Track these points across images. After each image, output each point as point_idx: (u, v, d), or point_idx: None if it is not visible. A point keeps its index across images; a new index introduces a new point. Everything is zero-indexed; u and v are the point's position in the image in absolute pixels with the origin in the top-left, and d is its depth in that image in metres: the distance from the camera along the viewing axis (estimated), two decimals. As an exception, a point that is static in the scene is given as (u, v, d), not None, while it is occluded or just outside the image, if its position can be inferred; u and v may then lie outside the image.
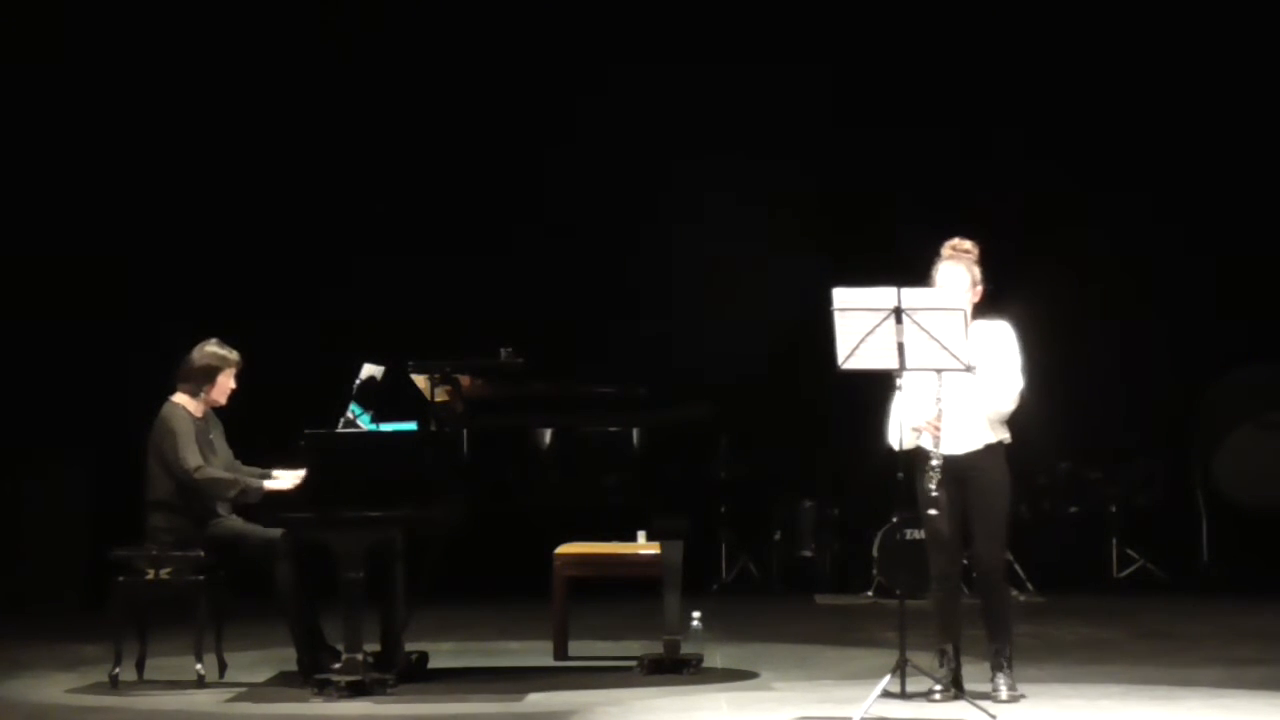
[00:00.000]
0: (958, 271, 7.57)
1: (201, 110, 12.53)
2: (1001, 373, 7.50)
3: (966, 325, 7.29)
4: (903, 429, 7.50)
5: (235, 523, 8.39)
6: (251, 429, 8.61)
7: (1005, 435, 7.61)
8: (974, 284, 7.60)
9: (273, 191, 12.60)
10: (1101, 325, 12.68)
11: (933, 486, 7.39)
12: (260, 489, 8.21)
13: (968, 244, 7.66)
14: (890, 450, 7.59)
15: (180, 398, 8.47)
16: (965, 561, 7.77)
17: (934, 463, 7.38)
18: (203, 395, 8.47)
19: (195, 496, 8.30)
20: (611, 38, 12.74)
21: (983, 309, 7.62)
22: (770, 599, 12.21)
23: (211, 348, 8.52)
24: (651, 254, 12.76)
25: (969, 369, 7.30)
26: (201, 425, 8.44)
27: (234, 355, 8.53)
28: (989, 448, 7.56)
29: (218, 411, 8.57)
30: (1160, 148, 12.70)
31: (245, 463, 8.51)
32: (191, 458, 8.27)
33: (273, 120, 12.56)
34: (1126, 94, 12.86)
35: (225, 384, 8.51)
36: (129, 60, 12.37)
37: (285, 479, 8.21)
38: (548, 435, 8.30)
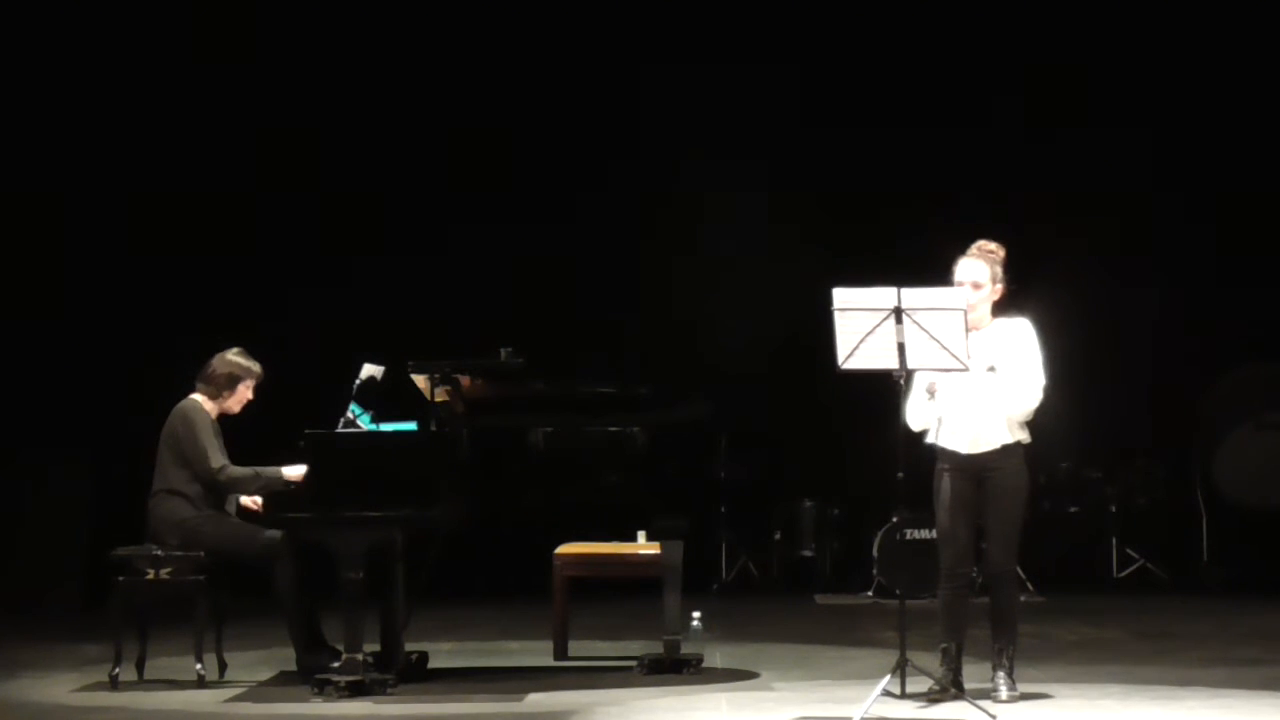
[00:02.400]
0: (977, 267, 7.57)
1: (203, 111, 12.53)
2: (1024, 371, 7.51)
3: (970, 325, 7.31)
4: (924, 410, 7.51)
5: (235, 523, 8.39)
6: (251, 429, 8.61)
7: (1025, 436, 7.61)
8: (994, 281, 7.60)
9: (274, 192, 12.59)
10: (1102, 325, 12.68)
11: (927, 394, 7.43)
12: (278, 475, 8.21)
13: (993, 245, 7.67)
14: (908, 432, 7.58)
15: (199, 398, 8.48)
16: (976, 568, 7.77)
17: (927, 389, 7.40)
18: (219, 401, 8.49)
19: (212, 492, 8.32)
20: (612, 37, 12.74)
21: (1004, 307, 7.63)
22: (770, 599, 12.21)
23: (234, 356, 8.53)
24: (652, 254, 12.76)
25: (967, 368, 7.31)
26: (214, 427, 8.46)
27: (256, 367, 8.55)
28: (1007, 448, 7.56)
29: (221, 421, 8.57)
30: (1161, 148, 12.69)
31: (246, 464, 8.51)
32: (215, 458, 8.30)
33: (274, 120, 12.56)
34: (1126, 93, 12.86)
35: (244, 395, 8.53)
36: (124, 59, 12.37)
37: (299, 471, 8.20)
38: (548, 435, 8.30)
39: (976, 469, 7.55)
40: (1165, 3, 12.71)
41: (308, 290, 12.39)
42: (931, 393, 7.46)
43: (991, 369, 7.45)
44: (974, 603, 7.71)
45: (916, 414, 7.57)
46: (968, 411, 7.53)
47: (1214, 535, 12.81)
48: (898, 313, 7.23)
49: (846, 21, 12.81)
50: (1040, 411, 7.61)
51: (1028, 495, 7.71)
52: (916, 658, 7.40)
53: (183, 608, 8.25)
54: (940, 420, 7.58)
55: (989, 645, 7.66)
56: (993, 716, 7.16)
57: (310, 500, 8.00)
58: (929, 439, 7.61)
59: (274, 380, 8.74)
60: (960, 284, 7.55)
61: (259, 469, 8.31)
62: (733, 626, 10.18)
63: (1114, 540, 12.73)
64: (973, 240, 7.71)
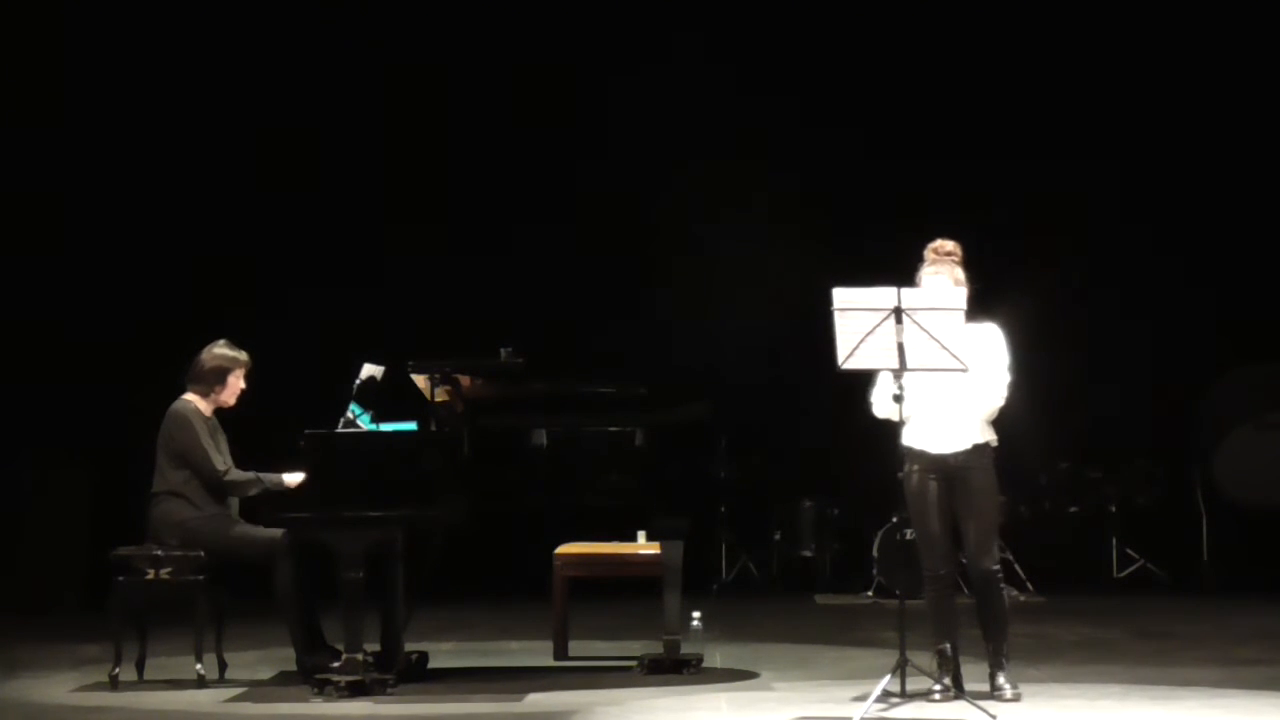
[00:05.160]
0: (939, 281, 7.54)
1: (205, 110, 12.54)
2: (990, 369, 7.50)
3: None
4: (890, 408, 7.46)
5: (236, 523, 8.39)
6: (251, 429, 8.61)
7: (993, 438, 7.61)
8: (958, 285, 7.56)
9: (274, 191, 12.60)
10: (1101, 325, 12.69)
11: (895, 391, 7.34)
12: (279, 481, 8.21)
13: (949, 245, 7.64)
14: (873, 418, 7.56)
15: (191, 397, 8.48)
16: (963, 561, 7.77)
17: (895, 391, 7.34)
18: (212, 396, 8.49)
19: (213, 492, 8.31)
20: (612, 39, 12.75)
21: (970, 310, 7.59)
22: (770, 599, 12.21)
23: (220, 349, 8.52)
24: (652, 254, 12.77)
25: (967, 369, 7.30)
26: (210, 426, 8.46)
27: (243, 356, 8.55)
28: (977, 448, 7.55)
29: (220, 417, 8.57)
30: (1160, 148, 12.70)
31: (245, 465, 8.51)
32: (217, 460, 8.31)
33: (274, 119, 12.57)
34: (1128, 94, 12.87)
35: (235, 385, 8.52)
36: (127, 55, 12.38)
37: (299, 478, 8.20)
38: (548, 435, 8.29)
39: (947, 469, 7.54)
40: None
41: (308, 290, 12.39)
42: (898, 398, 7.37)
43: (968, 368, 7.41)
44: (962, 603, 7.71)
45: (882, 407, 7.52)
46: (938, 411, 7.53)
47: (1214, 535, 12.82)
48: (898, 313, 7.23)
49: (845, 23, 12.83)
50: (1026, 412, 7.61)
51: (999, 495, 7.69)
52: (916, 658, 7.40)
53: (183, 608, 8.24)
54: (908, 419, 7.57)
55: (982, 647, 7.66)
56: (993, 716, 7.16)
57: (310, 500, 8.00)
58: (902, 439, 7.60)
59: (273, 380, 8.75)
60: None
61: (260, 474, 8.30)
62: (733, 626, 10.18)
63: (1114, 540, 12.74)
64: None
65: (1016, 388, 7.55)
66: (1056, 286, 12.27)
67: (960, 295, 7.40)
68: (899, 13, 12.88)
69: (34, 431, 12.04)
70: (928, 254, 7.63)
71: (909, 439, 7.59)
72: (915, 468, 7.58)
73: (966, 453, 7.54)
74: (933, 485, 7.54)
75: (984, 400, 7.53)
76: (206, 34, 12.53)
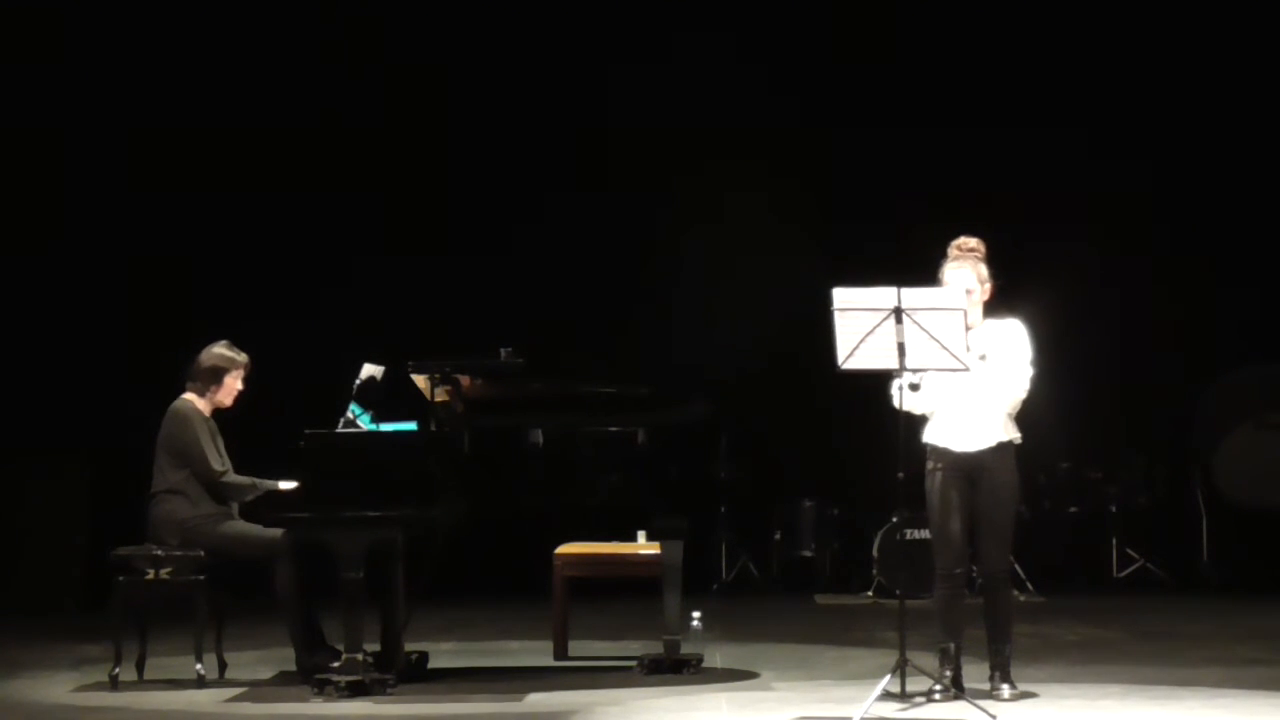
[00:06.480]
0: (963, 274, 7.55)
1: (203, 109, 12.54)
2: (1011, 361, 7.50)
3: (966, 325, 7.29)
4: (908, 399, 7.45)
5: (236, 523, 8.39)
6: (251, 429, 8.60)
7: (1016, 435, 7.60)
8: (982, 282, 7.58)
9: (273, 191, 12.59)
10: (1101, 325, 12.68)
11: (910, 389, 7.33)
12: (275, 489, 8.20)
13: (973, 241, 7.65)
14: (907, 432, 7.56)
15: (190, 396, 8.48)
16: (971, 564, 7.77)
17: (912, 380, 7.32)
18: (209, 396, 8.48)
19: (212, 491, 8.31)
20: (612, 38, 12.74)
21: (994, 306, 7.61)
22: (770, 599, 12.21)
23: (219, 349, 8.52)
24: (652, 254, 12.76)
25: (967, 368, 7.30)
26: (209, 427, 8.45)
27: (242, 357, 8.53)
28: (1001, 446, 7.55)
29: (218, 418, 8.56)
30: (1159, 147, 12.70)
31: (244, 467, 8.51)
32: (215, 460, 8.31)
33: (272, 119, 12.56)
34: (1127, 92, 12.86)
35: (232, 386, 8.51)
36: (126, 56, 12.38)
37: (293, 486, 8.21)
38: (548, 435, 8.29)
39: (970, 467, 7.54)
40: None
41: (308, 290, 12.39)
42: (915, 387, 7.38)
43: (983, 357, 7.43)
44: (968, 603, 7.71)
45: (904, 399, 7.50)
46: (962, 409, 7.53)
47: (1214, 535, 12.81)
48: (898, 313, 7.22)
49: (844, 22, 12.84)
50: (1033, 407, 7.60)
51: (1019, 494, 7.70)
52: (916, 658, 7.40)
53: (183, 608, 8.24)
54: (931, 417, 7.57)
55: (986, 646, 7.66)
56: (993, 716, 7.16)
57: (310, 500, 8.00)
58: (923, 438, 7.61)
59: (273, 380, 8.74)
60: None
61: (256, 480, 8.30)
62: (733, 626, 10.18)
63: (1114, 540, 12.74)
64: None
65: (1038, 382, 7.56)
66: (1059, 285, 12.26)
67: (960, 295, 7.40)
68: (900, 10, 12.87)
69: (33, 432, 12.03)
70: (951, 250, 7.63)
71: (932, 436, 7.59)
72: (939, 466, 7.57)
73: (990, 451, 7.53)
74: (956, 485, 7.53)
75: (1006, 394, 7.52)
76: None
